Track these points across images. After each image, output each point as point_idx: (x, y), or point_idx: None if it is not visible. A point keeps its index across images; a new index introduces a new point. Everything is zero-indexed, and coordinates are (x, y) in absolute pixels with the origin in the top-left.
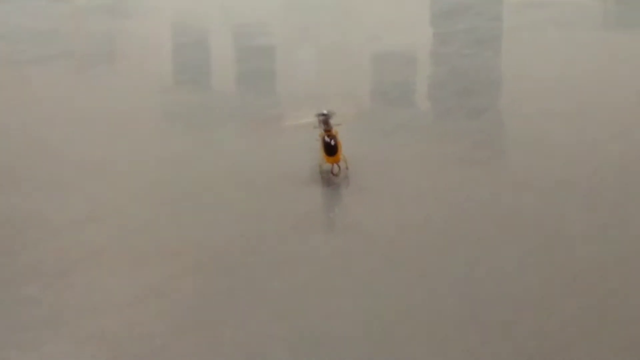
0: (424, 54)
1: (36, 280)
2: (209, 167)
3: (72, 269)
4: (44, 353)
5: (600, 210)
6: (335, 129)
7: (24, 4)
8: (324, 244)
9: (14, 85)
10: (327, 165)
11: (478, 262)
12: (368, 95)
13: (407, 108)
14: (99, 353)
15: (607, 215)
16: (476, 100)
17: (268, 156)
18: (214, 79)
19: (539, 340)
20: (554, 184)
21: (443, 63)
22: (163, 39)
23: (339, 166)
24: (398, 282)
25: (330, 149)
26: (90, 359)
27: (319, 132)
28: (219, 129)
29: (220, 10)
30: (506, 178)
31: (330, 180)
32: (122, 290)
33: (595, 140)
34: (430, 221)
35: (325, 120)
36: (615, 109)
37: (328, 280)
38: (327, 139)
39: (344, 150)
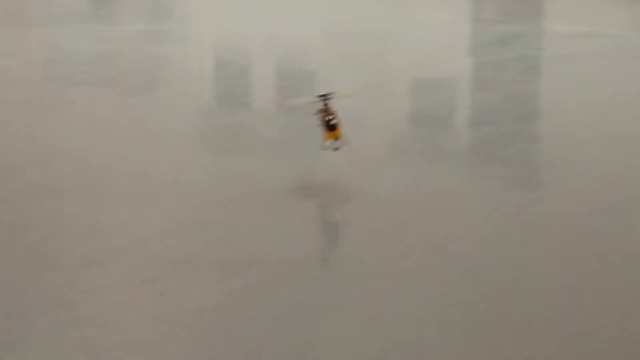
0: (477, 80)
1: (129, 288)
2: (277, 182)
3: (162, 276)
4: (147, 356)
5: None
6: (334, 108)
7: (81, 29)
8: (401, 255)
9: (78, 106)
10: (328, 142)
11: (552, 277)
12: (414, 120)
13: (465, 132)
14: (201, 356)
15: None
16: (533, 125)
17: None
18: (255, 103)
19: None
20: (618, 203)
21: (499, 89)
22: (207, 63)
23: (338, 142)
24: (475, 293)
25: (330, 126)
26: None
27: (319, 115)
28: (268, 148)
29: (262, 36)
30: (568, 199)
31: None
32: (209, 297)
33: None
34: (498, 239)
35: (324, 100)
36: None
37: (408, 290)
38: (327, 117)
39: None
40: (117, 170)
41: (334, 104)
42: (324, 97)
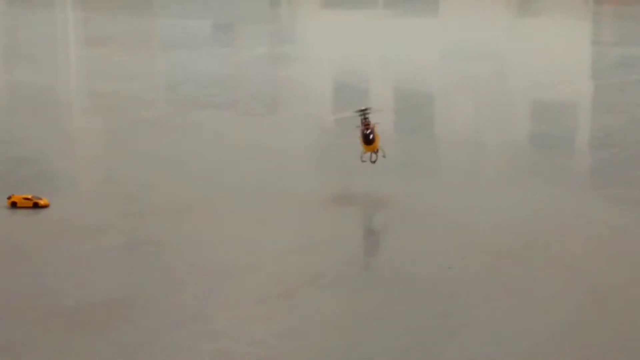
0: (598, 102)
1: (262, 303)
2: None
3: (294, 291)
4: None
5: None
6: (373, 123)
7: (205, 52)
8: (528, 274)
9: (204, 127)
10: (367, 155)
11: None
12: (535, 142)
13: (588, 154)
14: None
15: None
16: None
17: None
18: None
19: None
20: None
21: (621, 112)
22: (326, 85)
23: (376, 154)
24: (602, 313)
25: (368, 139)
26: None
27: (359, 129)
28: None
29: (380, 59)
30: None
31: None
32: (340, 313)
33: None
34: (627, 260)
35: (364, 115)
36: None
37: (535, 309)
38: (365, 130)
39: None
40: (244, 189)
41: (372, 118)
42: (363, 112)
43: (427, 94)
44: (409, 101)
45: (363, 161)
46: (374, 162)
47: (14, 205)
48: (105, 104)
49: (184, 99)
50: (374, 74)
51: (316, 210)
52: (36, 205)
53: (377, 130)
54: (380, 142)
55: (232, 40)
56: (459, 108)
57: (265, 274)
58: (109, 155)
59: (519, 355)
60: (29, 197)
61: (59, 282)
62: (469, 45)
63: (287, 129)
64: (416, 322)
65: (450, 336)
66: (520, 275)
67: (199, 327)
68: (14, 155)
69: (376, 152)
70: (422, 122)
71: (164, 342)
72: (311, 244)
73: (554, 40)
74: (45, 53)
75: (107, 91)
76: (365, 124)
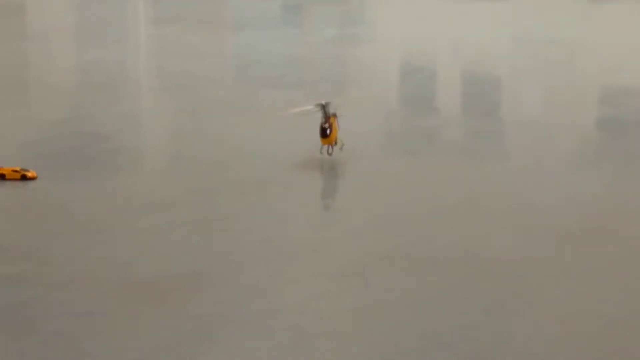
0: None
1: (333, 279)
2: (465, 185)
3: (365, 269)
4: (350, 344)
5: None
6: (332, 116)
7: (274, 33)
8: (596, 256)
9: (273, 106)
10: (325, 147)
11: None
12: (605, 126)
13: None
14: (401, 346)
15: None
16: None
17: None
18: (439, 105)
19: None
20: None
21: None
22: (394, 67)
23: (332, 147)
24: None
25: (324, 133)
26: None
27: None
28: (456, 152)
29: (449, 41)
30: None
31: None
32: (409, 291)
33: None
34: None
35: (323, 109)
36: None
37: (601, 289)
38: (323, 124)
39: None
40: (312, 168)
41: (332, 112)
42: (322, 106)
43: (496, 78)
44: (478, 85)
45: (321, 154)
46: (329, 154)
47: (2, 177)
48: (175, 82)
49: (253, 79)
50: (443, 57)
51: (386, 191)
52: (24, 177)
53: (336, 123)
54: (339, 135)
55: (301, 21)
56: (528, 92)
57: (337, 251)
58: (180, 133)
59: (587, 336)
60: (17, 169)
61: (133, 256)
62: (539, 30)
63: (355, 110)
64: (483, 301)
65: (518, 316)
66: (587, 257)
67: (272, 301)
68: (88, 131)
69: (334, 144)
70: (491, 105)
71: (237, 315)
72: (381, 224)
73: (625, 26)
74: (116, 32)
75: (178, 70)
76: (326, 118)
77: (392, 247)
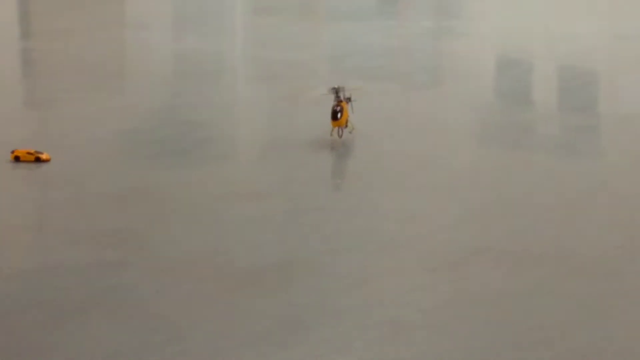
0: None
1: (429, 272)
2: (561, 179)
3: (461, 262)
4: (448, 336)
5: None
6: (344, 101)
7: (370, 25)
8: None
9: (369, 99)
10: (335, 130)
11: None
12: None
13: None
14: (496, 341)
15: None
16: None
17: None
18: (536, 99)
19: None
20: None
21: None
22: (490, 60)
23: (342, 130)
24: None
25: (335, 116)
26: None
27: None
28: (550, 146)
29: (545, 35)
30: None
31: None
32: (505, 285)
33: None
34: None
35: (335, 93)
36: None
37: None
38: (335, 107)
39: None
40: (410, 160)
41: (345, 97)
42: (335, 90)
43: (593, 72)
44: (575, 79)
45: (331, 136)
46: (340, 136)
47: (17, 159)
48: (272, 72)
49: (349, 69)
50: (540, 51)
51: (481, 185)
52: (38, 160)
53: (347, 107)
54: (350, 118)
55: (397, 13)
56: (627, 87)
57: (432, 244)
58: (275, 123)
59: None
60: (32, 151)
61: (231, 243)
62: (638, 23)
63: (451, 102)
64: (580, 298)
65: (617, 313)
66: None
67: (367, 292)
68: (186, 119)
69: (344, 127)
70: (589, 100)
71: (333, 305)
72: (477, 217)
73: None
74: (214, 21)
75: (275, 59)
76: (338, 101)
77: (487, 241)
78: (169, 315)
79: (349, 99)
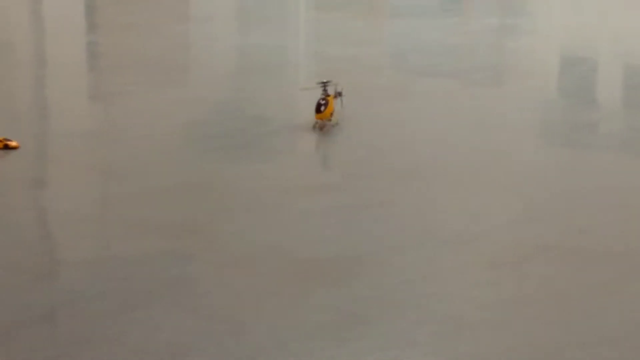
0: None
1: (492, 269)
2: (627, 178)
3: (525, 260)
4: (510, 334)
5: None
6: (330, 95)
7: (433, 22)
8: None
9: (432, 95)
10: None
11: None
12: None
13: None
14: (561, 338)
15: None
16: None
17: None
18: (600, 97)
19: None
20: None
21: None
22: (554, 58)
23: (324, 122)
24: None
25: (318, 109)
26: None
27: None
28: (604, 147)
29: (610, 32)
30: None
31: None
32: (570, 283)
33: None
34: None
35: (323, 87)
36: None
37: None
38: (321, 101)
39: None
40: (472, 156)
41: (336, 91)
42: (324, 83)
43: None
44: (636, 76)
45: (313, 128)
46: (321, 129)
47: None
48: (335, 67)
49: (412, 66)
50: (605, 49)
51: (545, 182)
52: (7, 147)
53: (334, 102)
54: (335, 112)
55: (461, 10)
56: None
57: (495, 241)
58: (339, 118)
59: None
60: (1, 139)
61: (294, 237)
62: None
63: (513, 100)
64: None
65: None
66: None
67: (429, 288)
68: (250, 113)
69: (328, 120)
70: None
71: (395, 299)
72: (541, 215)
73: None
74: (278, 16)
75: (338, 55)
76: (325, 95)
77: (551, 239)
78: (232, 306)
79: (339, 94)
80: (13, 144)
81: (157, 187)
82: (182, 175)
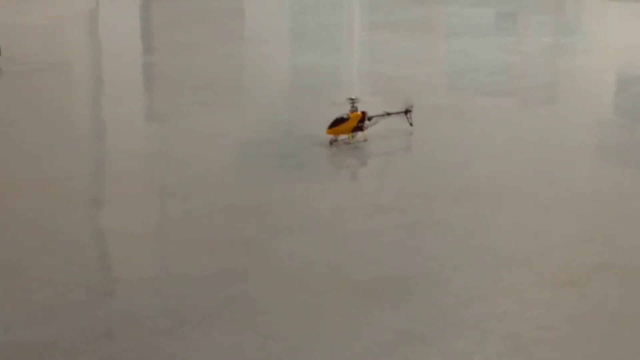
0: None
1: (549, 288)
2: None
3: (581, 280)
4: (568, 353)
5: None
6: (357, 112)
7: (489, 41)
8: None
9: (488, 114)
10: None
11: None
12: None
13: None
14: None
15: None
16: None
17: None
18: None
19: None
20: None
21: None
22: (609, 77)
23: (335, 139)
24: None
25: (332, 124)
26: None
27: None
28: None
29: None
30: None
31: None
32: (628, 302)
33: None
34: None
35: (351, 103)
36: None
37: None
38: (338, 115)
39: None
40: (529, 176)
41: (361, 107)
42: (352, 100)
43: None
44: None
45: (330, 144)
46: (331, 144)
47: None
48: (390, 87)
49: (468, 85)
50: None
51: (601, 202)
52: None
53: (358, 121)
54: (365, 133)
55: (516, 30)
56: None
57: (553, 261)
58: (395, 137)
59: None
60: None
61: (351, 256)
62: None
63: (569, 119)
64: None
65: None
66: None
67: (487, 307)
68: (304, 133)
69: (345, 136)
70: None
71: (453, 318)
72: (597, 234)
73: None
74: (331, 36)
75: (393, 75)
76: (350, 112)
77: (608, 258)
78: (289, 325)
79: (409, 110)
80: None
81: (215, 206)
82: (238, 195)
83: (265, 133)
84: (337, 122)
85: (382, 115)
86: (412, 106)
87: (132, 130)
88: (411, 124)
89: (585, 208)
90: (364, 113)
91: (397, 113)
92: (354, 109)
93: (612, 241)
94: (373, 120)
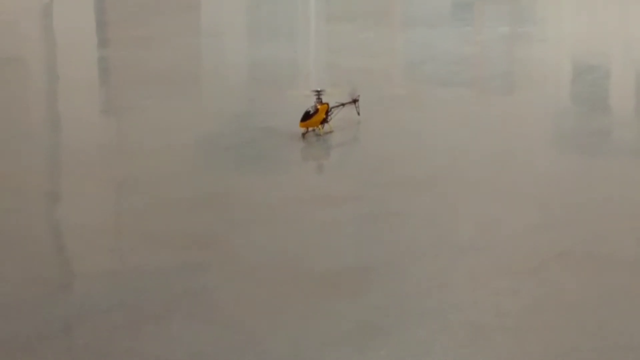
0: None
1: (508, 276)
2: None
3: (540, 267)
4: (527, 341)
5: None
6: (324, 104)
7: (445, 31)
8: None
9: (446, 105)
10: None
11: None
12: None
13: None
14: (578, 345)
15: None
16: None
17: None
18: (613, 105)
19: None
20: None
21: None
22: (565, 66)
23: (307, 130)
24: None
25: (304, 117)
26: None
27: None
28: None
29: (622, 39)
30: None
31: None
32: (586, 290)
33: None
34: None
35: (317, 95)
36: None
37: None
38: (308, 109)
39: None
40: (487, 165)
41: (327, 99)
42: (317, 92)
43: None
44: None
45: (303, 137)
46: (303, 136)
47: None
48: (348, 79)
49: (426, 75)
50: (616, 56)
51: (559, 189)
52: None
53: (325, 111)
54: (329, 123)
55: (472, 20)
56: None
57: (512, 248)
58: (352, 128)
59: None
60: None
61: (310, 247)
62: None
63: (527, 108)
64: None
65: None
66: None
67: (446, 296)
68: (262, 125)
69: (316, 129)
70: None
71: (412, 308)
72: (556, 222)
73: None
74: (289, 29)
75: (352, 67)
76: (317, 103)
77: (568, 245)
78: (249, 317)
79: (356, 100)
80: None
81: (172, 200)
82: (196, 188)
83: (223, 125)
84: (308, 115)
85: (338, 106)
86: (359, 95)
87: (88, 124)
88: (359, 114)
89: (544, 196)
90: (327, 104)
91: (350, 103)
92: (319, 101)
93: (571, 228)
94: (332, 111)
